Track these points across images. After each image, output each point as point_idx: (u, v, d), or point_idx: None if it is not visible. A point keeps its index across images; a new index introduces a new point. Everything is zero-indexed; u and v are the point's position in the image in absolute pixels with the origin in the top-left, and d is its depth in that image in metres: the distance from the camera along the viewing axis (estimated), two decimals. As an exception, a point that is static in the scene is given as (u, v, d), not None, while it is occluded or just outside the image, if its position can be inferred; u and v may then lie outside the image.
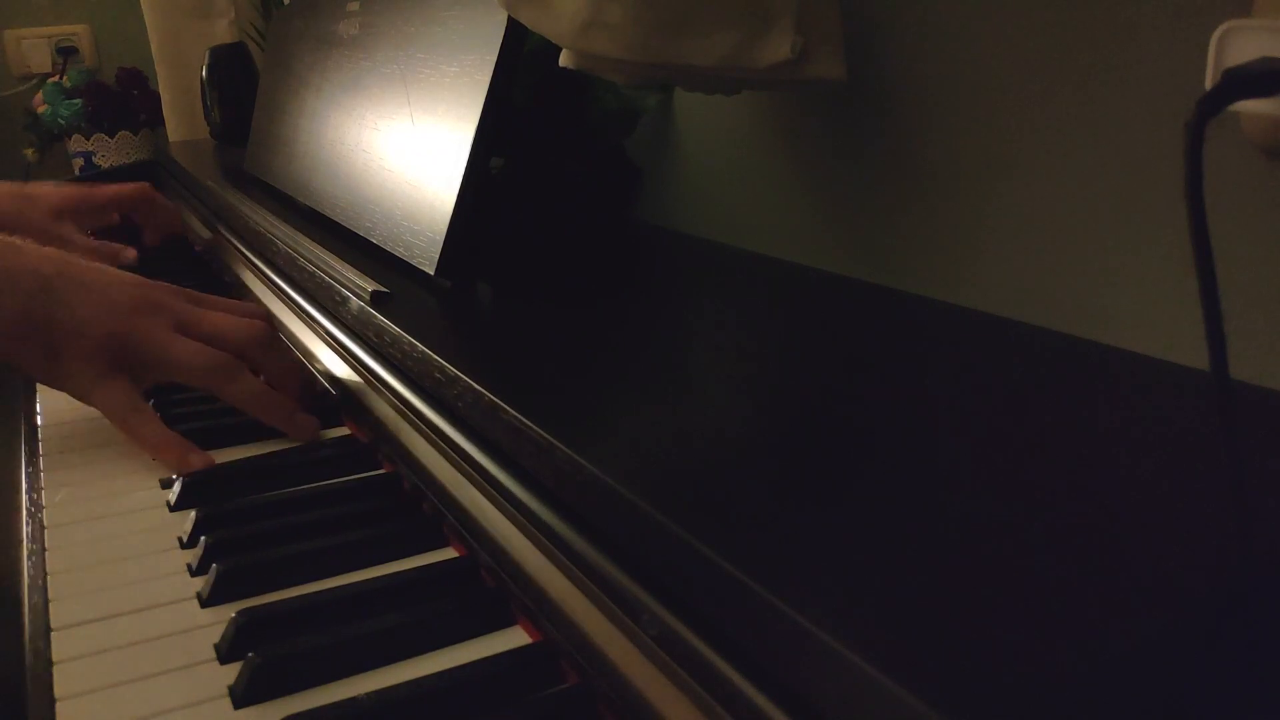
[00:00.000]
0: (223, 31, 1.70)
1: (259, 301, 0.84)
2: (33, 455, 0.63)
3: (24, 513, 0.55)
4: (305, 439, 0.61)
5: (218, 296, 0.68)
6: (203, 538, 0.49)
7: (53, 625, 0.43)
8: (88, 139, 1.95)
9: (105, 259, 1.04)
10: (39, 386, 0.75)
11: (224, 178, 1.13)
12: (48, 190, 1.06)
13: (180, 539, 0.51)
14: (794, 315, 0.54)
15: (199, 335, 0.61)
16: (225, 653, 0.41)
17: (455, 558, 0.48)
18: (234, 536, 0.49)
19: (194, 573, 0.48)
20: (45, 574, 0.48)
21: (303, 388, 0.64)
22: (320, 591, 0.45)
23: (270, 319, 0.66)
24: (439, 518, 0.50)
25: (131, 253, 1.06)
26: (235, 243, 0.95)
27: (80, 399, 0.61)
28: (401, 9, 0.75)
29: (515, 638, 0.42)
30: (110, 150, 1.96)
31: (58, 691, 0.39)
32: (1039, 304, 0.52)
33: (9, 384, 0.78)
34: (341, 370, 0.63)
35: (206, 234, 1.11)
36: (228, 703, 0.38)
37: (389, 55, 0.75)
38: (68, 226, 1.03)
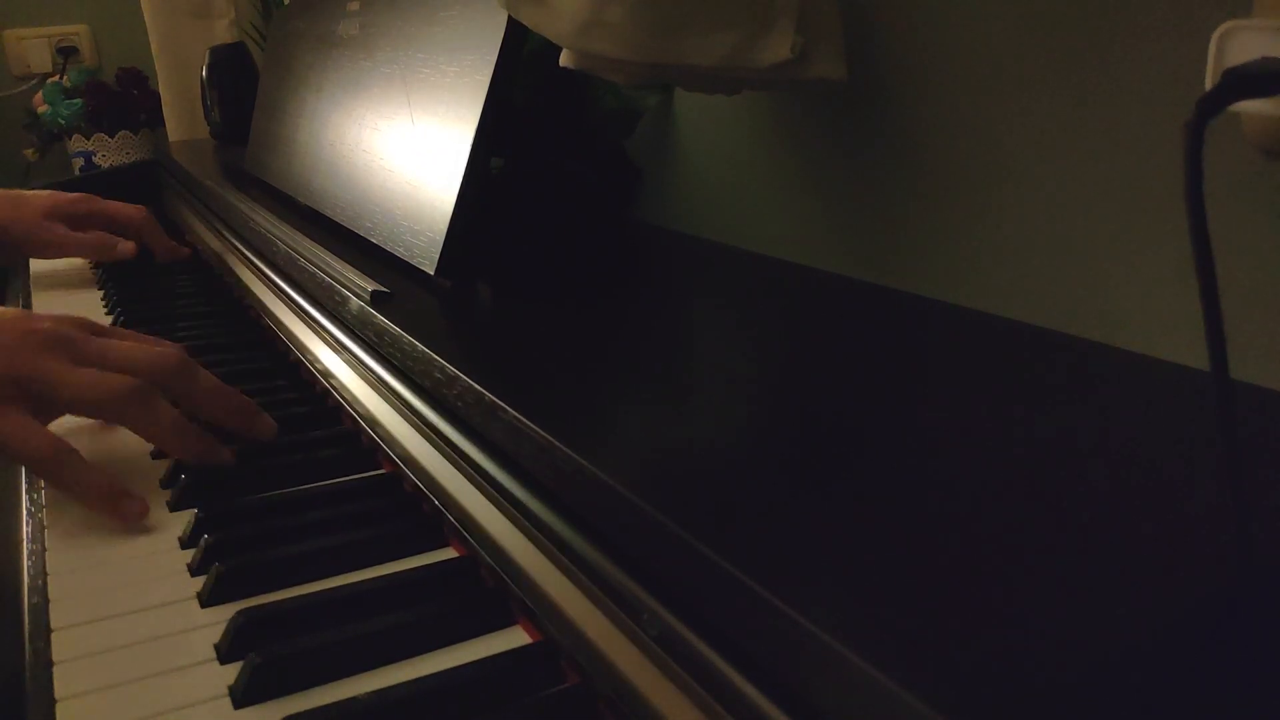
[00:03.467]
0: (223, 31, 1.70)
1: (258, 301, 0.84)
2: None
3: (24, 513, 0.55)
4: (225, 465, 0.57)
5: (127, 330, 0.63)
6: (203, 538, 0.49)
7: (53, 625, 0.43)
8: (88, 139, 1.95)
9: (99, 251, 1.05)
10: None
11: (224, 178, 1.13)
12: (42, 195, 1.06)
13: (180, 539, 0.51)
14: (794, 315, 0.54)
15: (104, 366, 0.56)
16: (225, 653, 0.41)
17: (455, 558, 0.48)
18: (234, 536, 0.49)
19: (194, 573, 0.48)
20: (45, 574, 0.48)
21: (237, 413, 0.59)
22: (320, 591, 0.45)
23: (183, 351, 0.60)
24: (439, 518, 0.50)
25: (129, 246, 1.05)
26: (235, 243, 0.95)
27: None
28: (401, 9, 0.75)
29: (515, 638, 0.42)
30: (110, 150, 1.96)
31: (58, 692, 0.39)
32: (1039, 304, 0.52)
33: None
34: (341, 370, 0.63)
35: (207, 234, 1.11)
36: (228, 703, 0.38)
37: (389, 55, 0.75)
38: (58, 227, 1.03)
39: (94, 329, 0.60)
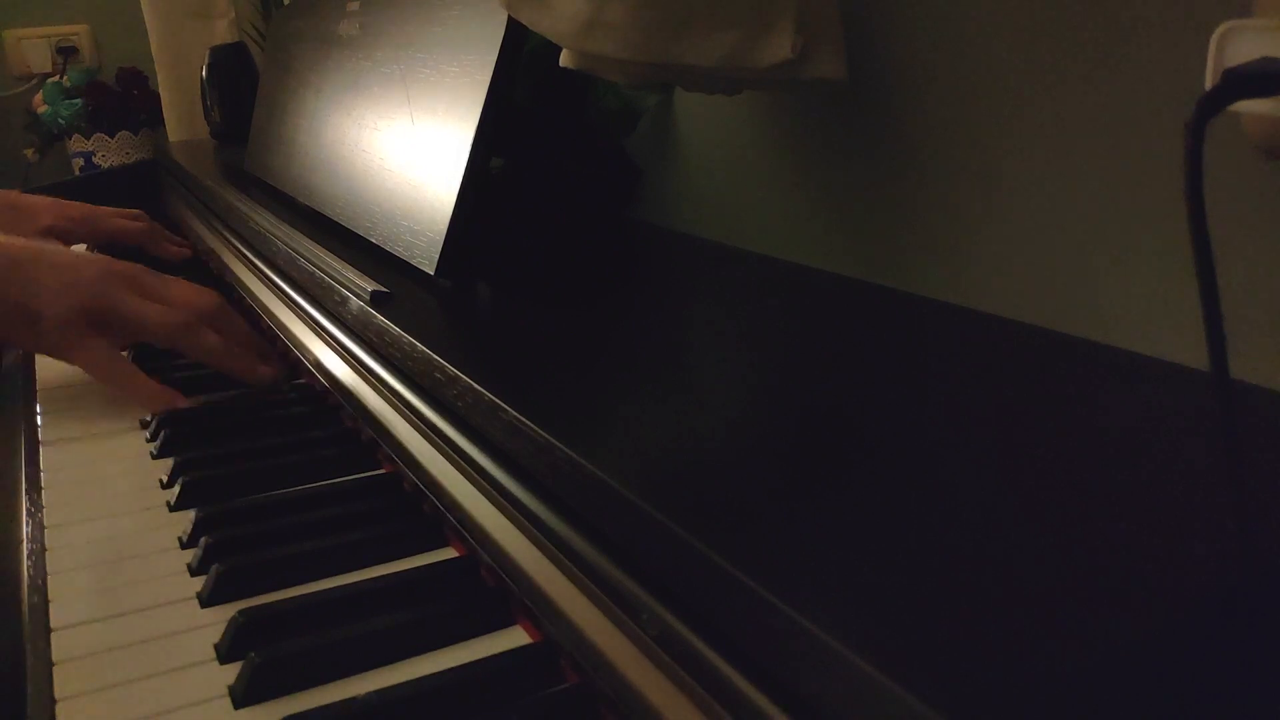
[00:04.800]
0: (223, 31, 1.70)
1: (258, 300, 0.84)
2: (32, 455, 0.63)
3: (24, 513, 0.55)
4: (265, 385, 0.69)
5: (174, 276, 0.75)
6: (203, 538, 0.49)
7: (53, 625, 0.43)
8: (88, 139, 1.95)
9: None
10: (39, 387, 0.75)
11: (224, 178, 1.13)
12: (42, 205, 1.05)
13: (180, 539, 0.51)
14: (794, 315, 0.54)
15: (163, 302, 0.69)
16: (225, 653, 0.41)
17: (455, 558, 0.48)
18: (234, 536, 0.49)
19: (194, 573, 0.48)
20: (45, 574, 0.48)
21: (258, 346, 0.73)
22: (320, 591, 0.45)
23: (221, 296, 0.74)
24: (439, 518, 0.50)
25: None
26: (235, 243, 0.95)
27: (64, 360, 0.67)
28: (401, 9, 0.75)
29: (515, 638, 0.42)
30: (110, 150, 1.96)
31: (58, 691, 0.39)
32: (1039, 304, 0.52)
33: (9, 385, 0.78)
34: (341, 370, 0.63)
35: (207, 234, 1.11)
36: (228, 703, 0.38)
37: (389, 55, 0.75)
38: (53, 242, 1.03)
39: (152, 273, 0.73)
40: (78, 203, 1.09)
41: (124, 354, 0.68)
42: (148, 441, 0.64)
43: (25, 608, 0.46)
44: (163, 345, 0.69)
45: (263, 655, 0.39)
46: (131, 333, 0.67)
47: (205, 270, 1.08)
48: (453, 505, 0.47)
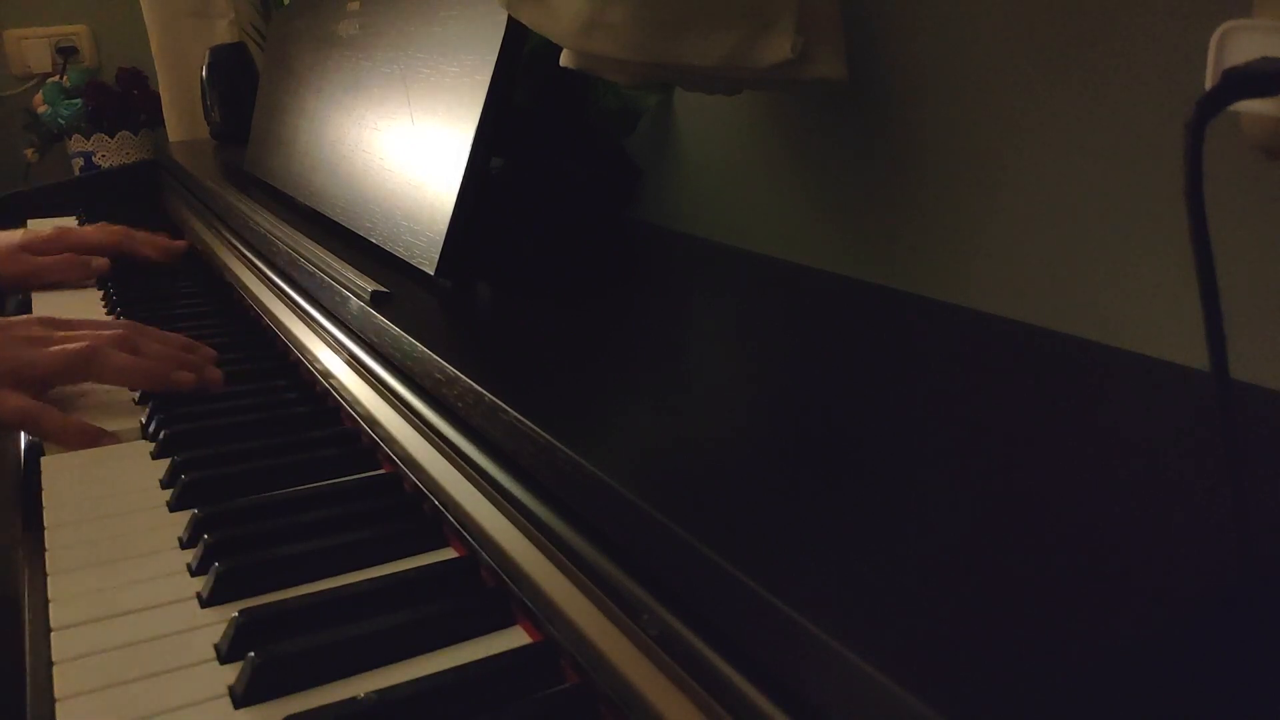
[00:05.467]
0: (223, 31, 1.70)
1: (258, 300, 0.84)
2: (32, 456, 0.63)
3: (23, 514, 0.55)
4: (188, 388, 0.69)
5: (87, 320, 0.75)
6: (203, 538, 0.49)
7: (53, 625, 0.43)
8: (88, 139, 1.95)
9: (74, 271, 1.06)
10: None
11: (224, 178, 1.13)
12: (14, 233, 1.10)
13: (180, 539, 0.51)
14: (793, 315, 0.54)
15: (66, 342, 0.69)
16: (225, 653, 0.41)
17: (455, 558, 0.48)
18: (234, 536, 0.49)
19: (194, 573, 0.48)
20: (45, 574, 0.48)
21: (185, 350, 0.72)
22: (320, 591, 0.45)
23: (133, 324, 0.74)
24: (439, 518, 0.50)
25: (102, 262, 1.07)
26: (235, 243, 0.95)
27: None
28: (401, 9, 0.75)
29: (515, 638, 0.42)
30: (110, 150, 1.96)
31: (58, 691, 0.39)
32: (1039, 304, 0.52)
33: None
34: (341, 370, 0.63)
35: (207, 234, 1.11)
36: (228, 703, 0.38)
37: (389, 55, 0.75)
38: (29, 257, 1.05)
39: (56, 323, 0.72)
40: (46, 226, 1.11)
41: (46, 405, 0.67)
42: (148, 441, 0.64)
43: (25, 608, 0.46)
44: (76, 381, 0.69)
45: (263, 655, 0.39)
46: (41, 379, 0.67)
47: (206, 270, 1.08)
48: (453, 505, 0.47)
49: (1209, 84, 0.34)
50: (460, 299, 0.59)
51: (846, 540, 0.29)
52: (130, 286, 1.02)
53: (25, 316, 0.73)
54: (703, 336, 0.51)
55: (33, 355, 0.67)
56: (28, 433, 0.66)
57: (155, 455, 0.61)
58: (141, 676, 0.40)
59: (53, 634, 0.43)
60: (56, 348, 0.68)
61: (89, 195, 1.45)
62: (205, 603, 0.45)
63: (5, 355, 0.66)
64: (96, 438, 0.64)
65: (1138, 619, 0.25)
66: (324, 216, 0.81)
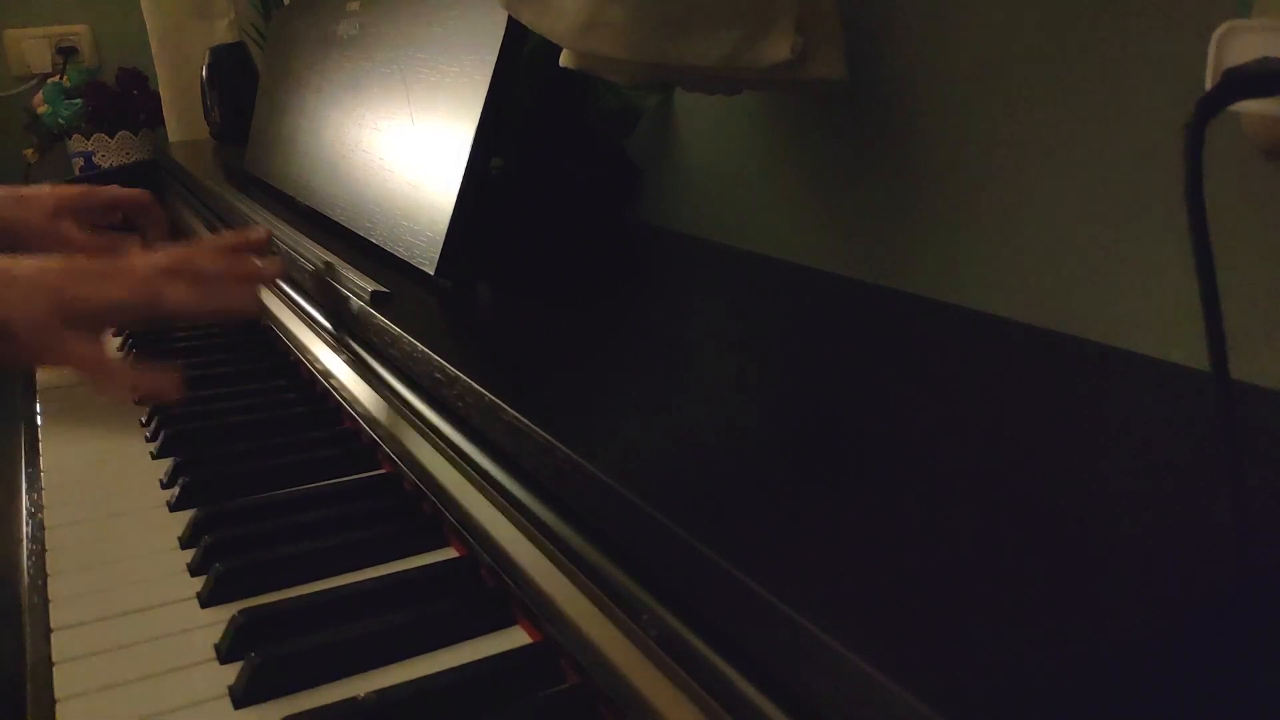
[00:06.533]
0: (223, 31, 1.70)
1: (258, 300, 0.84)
2: (32, 456, 0.63)
3: (24, 513, 0.55)
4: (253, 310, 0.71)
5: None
6: (203, 538, 0.49)
7: (53, 626, 0.43)
8: (88, 139, 1.95)
9: (107, 253, 1.05)
10: (39, 387, 0.75)
11: (224, 178, 1.13)
12: (44, 191, 1.05)
13: (180, 539, 0.51)
14: (793, 315, 0.54)
15: (124, 274, 0.67)
16: (225, 653, 0.41)
17: (455, 558, 0.48)
18: (234, 536, 0.49)
19: (194, 573, 0.48)
20: (45, 574, 0.48)
21: (238, 252, 0.73)
22: (320, 591, 0.45)
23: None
24: (439, 518, 0.50)
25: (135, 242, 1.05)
26: (235, 243, 0.95)
27: (49, 365, 0.69)
28: (401, 9, 0.75)
29: (515, 638, 0.42)
30: (110, 150, 1.96)
31: (58, 691, 0.39)
32: (1039, 304, 0.52)
33: (9, 385, 0.78)
34: (341, 370, 0.63)
35: (207, 234, 1.10)
36: (228, 703, 0.38)
37: (389, 55, 0.75)
38: (66, 224, 1.02)
39: (106, 256, 0.70)
40: (69, 185, 1.09)
41: (114, 347, 0.68)
42: (148, 441, 0.64)
43: (25, 608, 0.46)
44: (137, 318, 0.69)
45: (263, 655, 0.39)
46: (104, 319, 0.67)
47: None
48: (453, 505, 0.47)
49: (1209, 84, 0.34)
50: (460, 299, 0.59)
51: (846, 540, 0.29)
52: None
53: (84, 255, 0.71)
54: (702, 336, 0.51)
55: (99, 290, 0.65)
56: (94, 379, 0.65)
57: (155, 455, 0.61)
58: (141, 677, 0.40)
59: (53, 634, 0.43)
60: (120, 281, 0.66)
61: (89, 195, 1.45)
62: (205, 603, 0.45)
63: (69, 290, 0.64)
64: (172, 386, 0.64)
65: (1137, 619, 0.25)
66: (324, 216, 0.81)
